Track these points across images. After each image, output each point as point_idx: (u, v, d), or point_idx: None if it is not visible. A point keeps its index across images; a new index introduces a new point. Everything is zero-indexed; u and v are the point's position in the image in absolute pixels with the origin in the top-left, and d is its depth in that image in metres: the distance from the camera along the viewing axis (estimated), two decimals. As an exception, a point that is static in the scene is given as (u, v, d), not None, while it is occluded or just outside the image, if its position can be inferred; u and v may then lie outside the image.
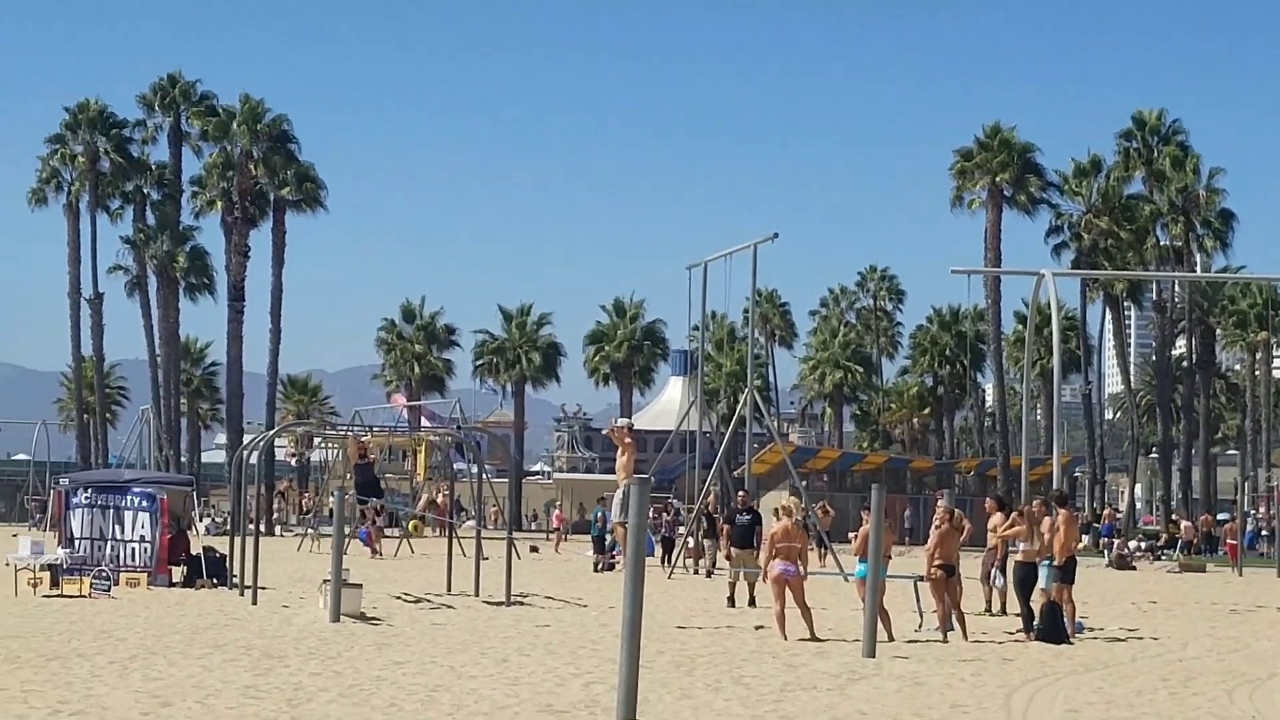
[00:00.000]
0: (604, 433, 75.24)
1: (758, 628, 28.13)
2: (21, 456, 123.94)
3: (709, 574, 44.31)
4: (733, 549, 34.53)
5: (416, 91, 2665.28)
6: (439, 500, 58.02)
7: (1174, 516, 79.30)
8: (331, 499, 35.34)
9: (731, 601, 33.30)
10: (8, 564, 35.60)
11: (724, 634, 27.32)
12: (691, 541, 47.90)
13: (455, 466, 54.92)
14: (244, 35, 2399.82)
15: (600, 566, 47.59)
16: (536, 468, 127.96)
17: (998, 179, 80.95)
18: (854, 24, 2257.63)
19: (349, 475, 49.98)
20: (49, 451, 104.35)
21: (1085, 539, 57.83)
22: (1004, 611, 31.48)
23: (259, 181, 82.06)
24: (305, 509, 74.71)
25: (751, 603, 33.01)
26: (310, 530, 60.23)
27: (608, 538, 46.45)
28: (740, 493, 39.04)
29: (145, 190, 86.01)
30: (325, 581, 29.94)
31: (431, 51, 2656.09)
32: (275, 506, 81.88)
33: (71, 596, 32.83)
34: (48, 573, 34.53)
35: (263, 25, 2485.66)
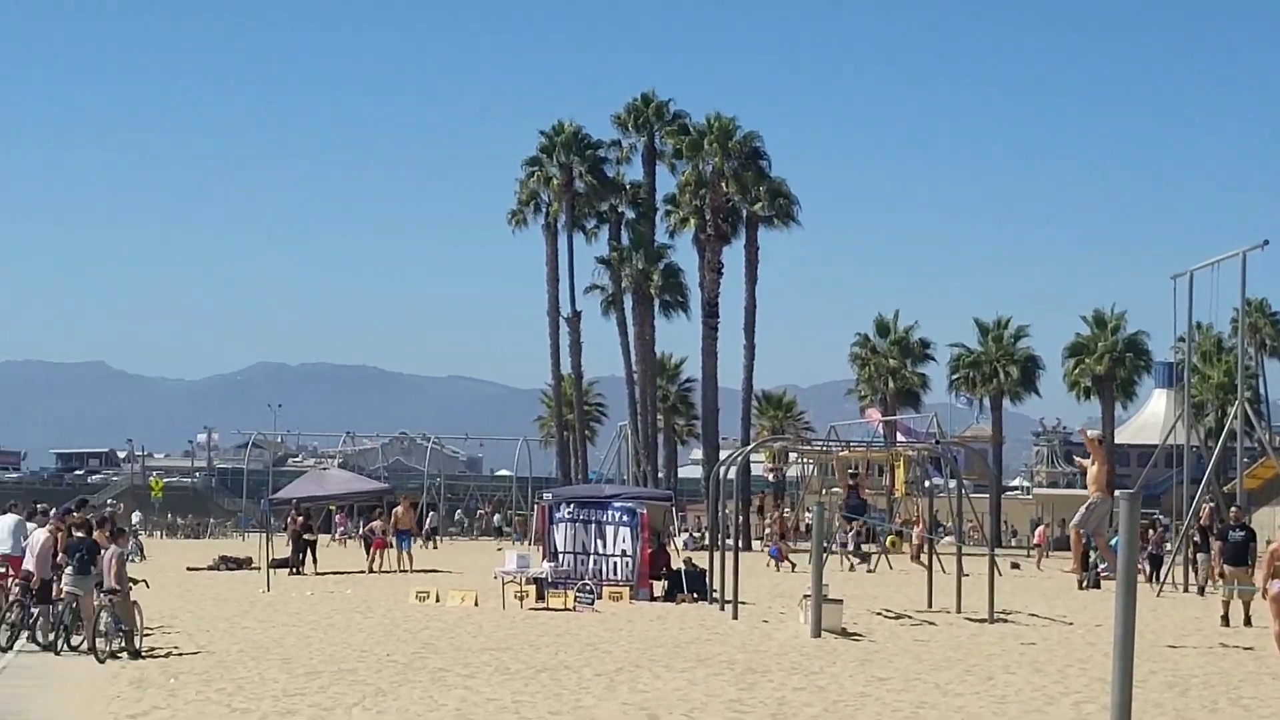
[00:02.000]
0: (1076, 431, 73.32)
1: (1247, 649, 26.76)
2: (504, 472, 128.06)
3: (1201, 591, 42.63)
4: (1226, 566, 33.08)
5: (888, 105, 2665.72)
6: (916, 516, 57.36)
7: None
8: (808, 514, 35.11)
9: (1225, 620, 31.87)
10: (495, 577, 36.47)
11: (1218, 654, 26.07)
12: (1180, 559, 46.17)
13: (932, 481, 54.08)
14: (715, 54, 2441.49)
15: (1085, 584, 46.23)
16: (1015, 482, 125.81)
17: None
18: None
19: (824, 490, 49.76)
20: (530, 467, 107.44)
21: None
22: None
23: (731, 198, 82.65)
24: (781, 524, 74.81)
25: (1246, 622, 31.53)
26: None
27: (1092, 554, 45.04)
28: (1233, 509, 37.36)
29: (620, 209, 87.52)
30: (805, 597, 29.72)
31: (896, 66, 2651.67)
32: (753, 522, 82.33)
33: (556, 609, 33.37)
34: (533, 586, 35.23)
35: (733, 44, 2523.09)
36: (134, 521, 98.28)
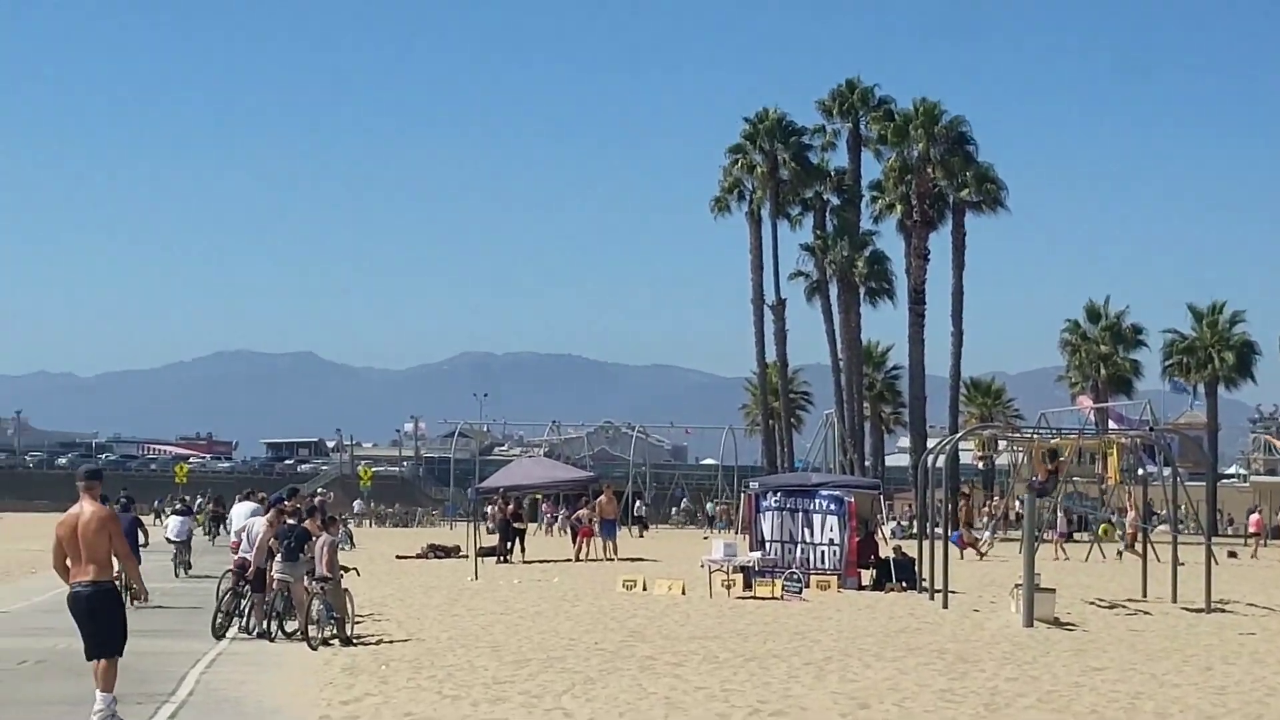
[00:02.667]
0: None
1: None
2: (709, 461, 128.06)
3: None
4: None
5: (1098, 88, 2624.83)
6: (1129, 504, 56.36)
7: None
8: (1018, 502, 34.59)
9: None
10: (702, 566, 36.41)
11: None
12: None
13: (1146, 469, 53.10)
14: (920, 38, 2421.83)
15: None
16: (1231, 470, 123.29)
17: None
18: None
19: (1034, 478, 49.02)
20: (736, 456, 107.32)
21: None
22: None
23: (937, 184, 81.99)
24: (991, 513, 73.95)
25: None
26: (994, 535, 59.54)
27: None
28: None
29: (824, 196, 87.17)
30: (1017, 586, 29.31)
31: (1105, 48, 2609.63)
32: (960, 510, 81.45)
33: (764, 598, 33.21)
34: (740, 575, 35.10)
35: (938, 28, 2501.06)
36: (355, 510, 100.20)
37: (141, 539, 31.43)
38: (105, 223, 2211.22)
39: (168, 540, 42.36)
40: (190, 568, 41.30)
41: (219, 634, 24.82)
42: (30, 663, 21.28)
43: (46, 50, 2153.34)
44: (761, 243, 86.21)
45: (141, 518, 36.54)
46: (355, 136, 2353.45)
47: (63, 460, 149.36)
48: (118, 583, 16.38)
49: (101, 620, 15.73)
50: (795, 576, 34.56)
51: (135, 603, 18.15)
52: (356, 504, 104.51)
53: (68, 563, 16.03)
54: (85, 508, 16.02)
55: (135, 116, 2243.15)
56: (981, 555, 51.58)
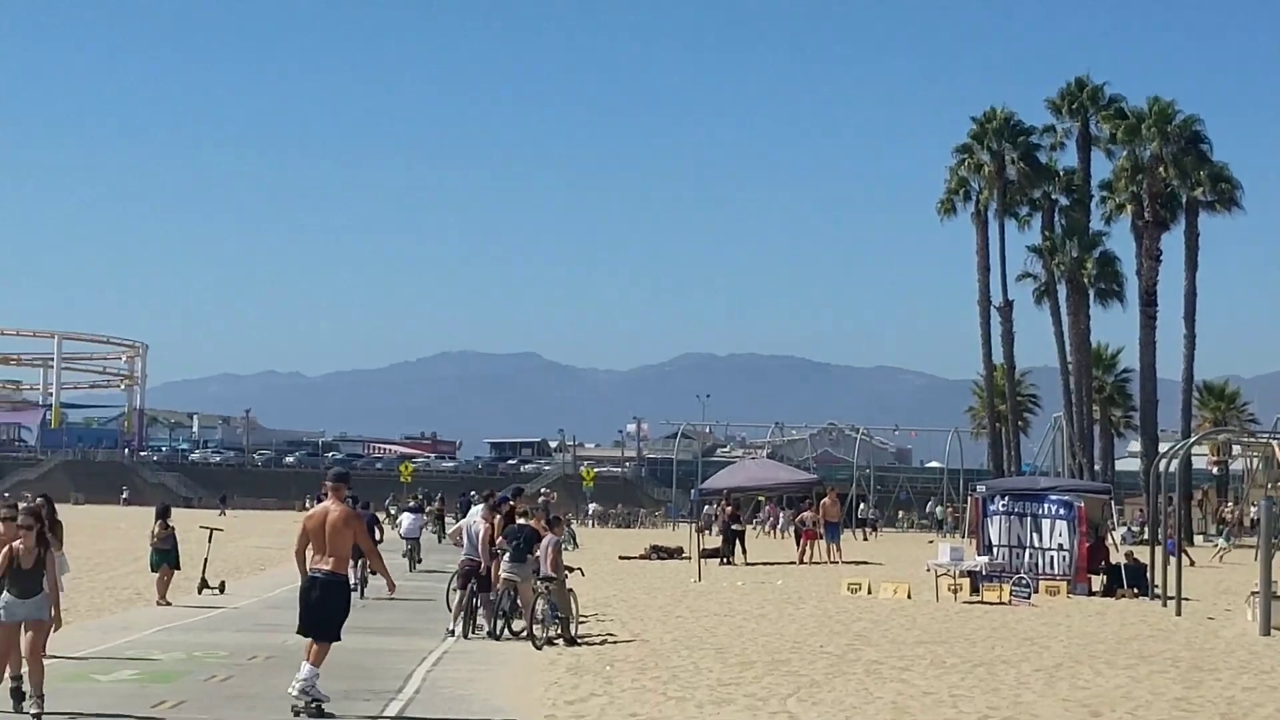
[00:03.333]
0: None
1: None
2: (934, 464, 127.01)
3: None
4: None
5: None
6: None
7: None
8: (1254, 508, 33.73)
9: None
10: (928, 569, 36.05)
11: None
12: None
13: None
14: (1152, 36, 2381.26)
15: None
16: None
17: None
18: None
19: (1271, 485, 47.84)
20: (961, 459, 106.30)
21: None
22: None
23: (1170, 184, 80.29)
24: (1224, 519, 72.36)
25: None
26: (1229, 542, 58.17)
27: None
28: None
29: (1053, 197, 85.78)
30: (1253, 594, 28.57)
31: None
32: (1194, 516, 79.80)
33: (991, 603, 32.79)
34: (967, 579, 34.70)
35: (1170, 25, 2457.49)
36: (591, 510, 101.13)
37: (378, 535, 33.07)
38: (334, 226, 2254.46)
39: (400, 537, 43.78)
40: (420, 562, 42.63)
41: (466, 634, 24.97)
42: (260, 658, 21.66)
43: (282, 62, 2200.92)
44: (988, 244, 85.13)
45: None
46: (581, 136, 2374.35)
47: (290, 459, 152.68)
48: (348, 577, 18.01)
49: (328, 607, 17.29)
50: (1023, 581, 34.08)
51: (363, 598, 18.86)
52: (592, 505, 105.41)
53: (308, 551, 17.61)
54: (332, 506, 17.56)
55: (363, 120, 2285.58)
56: (1192, 562, 50.38)
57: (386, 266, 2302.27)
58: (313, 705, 16.63)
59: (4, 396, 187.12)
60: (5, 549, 16.02)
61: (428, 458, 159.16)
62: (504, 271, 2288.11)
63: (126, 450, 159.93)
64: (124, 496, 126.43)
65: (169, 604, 30.17)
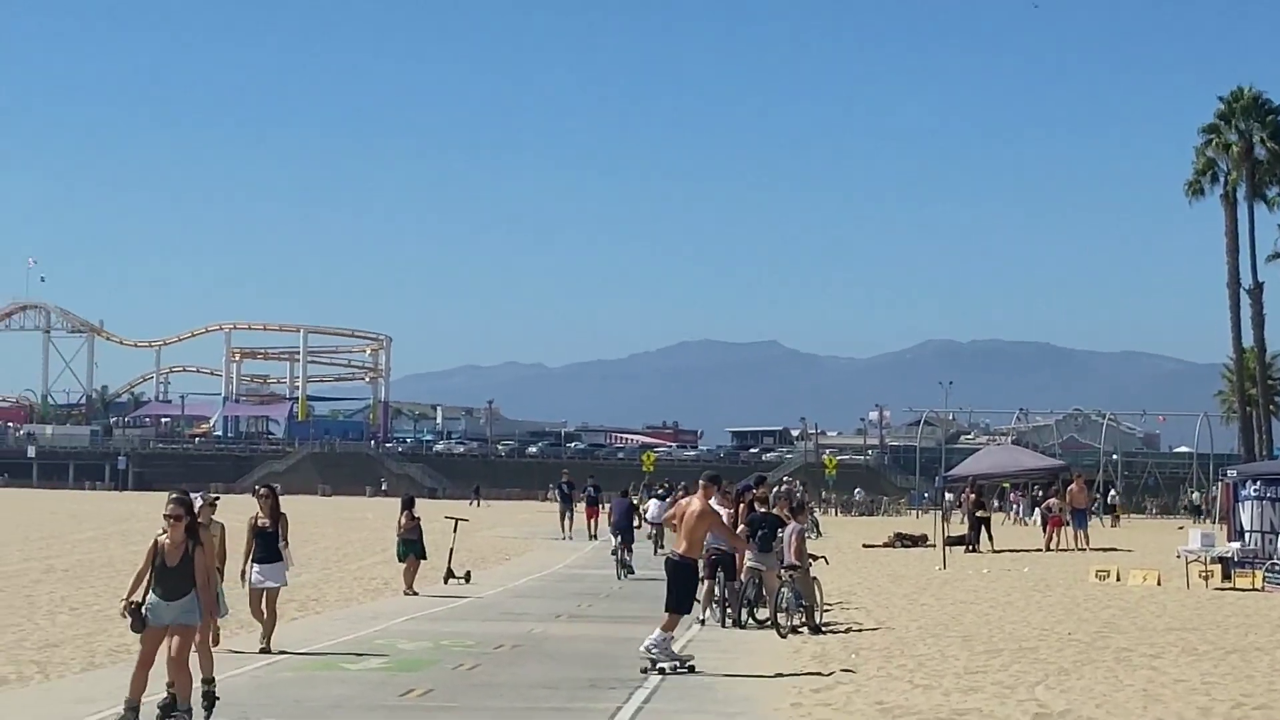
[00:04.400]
0: None
1: None
2: (1183, 449, 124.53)
3: None
4: None
5: None
6: None
7: None
8: None
9: None
10: (1178, 556, 35.43)
11: None
12: None
13: None
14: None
15: None
16: None
17: None
18: None
19: None
20: (1211, 444, 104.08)
21: None
22: None
23: None
24: None
25: None
26: None
27: None
28: None
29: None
30: None
31: None
32: None
33: (1243, 590, 32.11)
34: (1218, 565, 34.01)
35: None
36: (857, 498, 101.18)
37: (635, 521, 38.65)
38: (574, 219, 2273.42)
39: (647, 523, 44.30)
40: (663, 547, 42.99)
41: (723, 623, 25.04)
42: (507, 647, 21.93)
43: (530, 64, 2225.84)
44: (1237, 225, 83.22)
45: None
46: (822, 128, 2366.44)
47: (533, 449, 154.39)
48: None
49: (678, 584, 20.18)
50: (1277, 568, 33.29)
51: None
52: (858, 491, 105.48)
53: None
54: (695, 501, 20.82)
55: (604, 117, 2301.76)
56: None
57: (626, 257, 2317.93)
58: (659, 667, 19.12)
59: (253, 390, 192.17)
60: (151, 543, 14.66)
61: (669, 447, 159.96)
62: (745, 260, 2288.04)
63: (372, 442, 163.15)
64: (383, 488, 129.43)
65: (416, 594, 30.68)
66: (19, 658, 19.99)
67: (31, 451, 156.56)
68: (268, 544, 20.94)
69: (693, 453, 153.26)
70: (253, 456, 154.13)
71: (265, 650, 20.46)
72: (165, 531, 14.51)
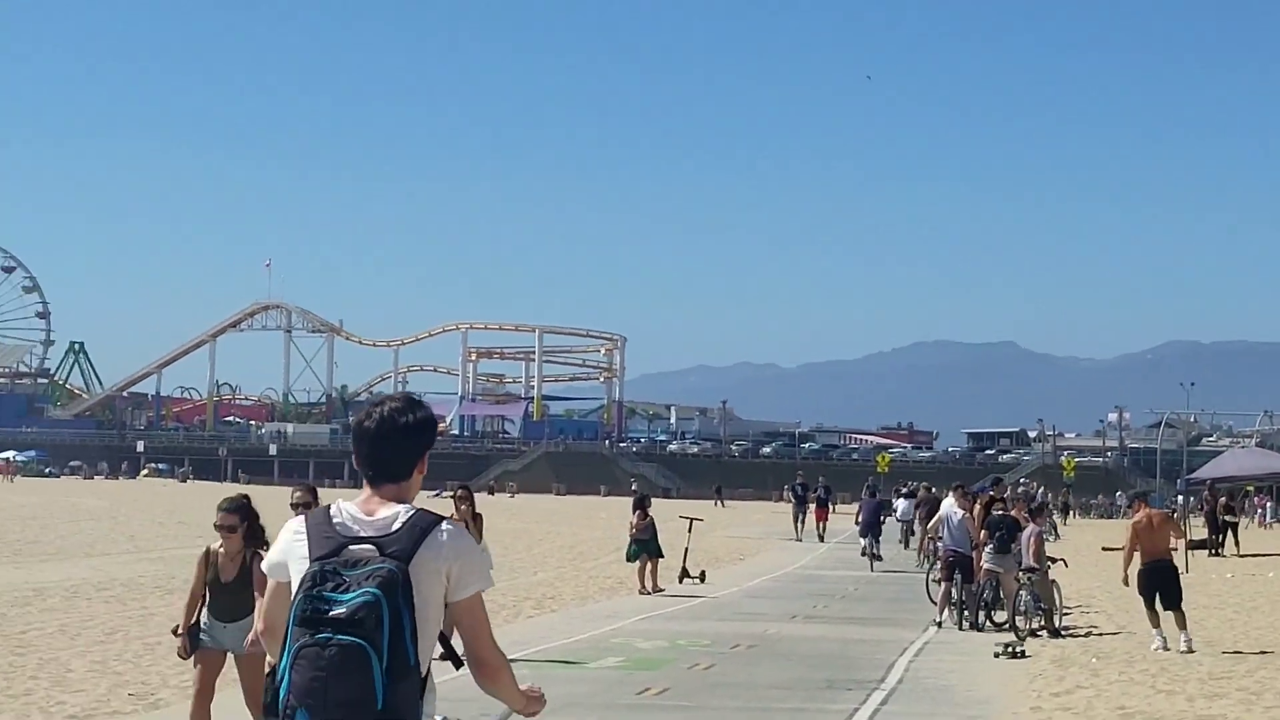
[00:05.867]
0: None
1: None
2: None
3: None
4: None
5: None
6: None
7: None
8: None
9: None
10: None
11: None
12: None
13: None
14: None
15: None
16: None
17: None
18: None
19: None
20: None
21: None
22: None
23: None
24: None
25: None
26: None
27: None
28: None
29: None
30: None
31: None
32: None
33: None
34: None
35: None
36: (1119, 501, 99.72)
37: (882, 516, 42.08)
38: (804, 221, 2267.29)
39: (896, 520, 47.98)
40: (907, 545, 45.99)
41: (960, 625, 24.83)
42: (743, 647, 21.91)
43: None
44: None
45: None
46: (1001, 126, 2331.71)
47: (766, 449, 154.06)
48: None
49: (1167, 584, 22.32)
50: None
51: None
52: (1120, 496, 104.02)
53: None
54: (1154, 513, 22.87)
55: (791, 118, 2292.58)
56: None
57: (862, 257, 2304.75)
58: None
59: (489, 390, 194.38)
60: (201, 554, 12.00)
61: (904, 448, 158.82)
62: (982, 260, 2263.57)
63: (606, 441, 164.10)
64: (633, 487, 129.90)
65: (649, 593, 30.77)
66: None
67: (274, 449, 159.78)
68: None
69: (928, 454, 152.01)
70: (489, 455, 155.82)
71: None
72: (221, 541, 11.81)
